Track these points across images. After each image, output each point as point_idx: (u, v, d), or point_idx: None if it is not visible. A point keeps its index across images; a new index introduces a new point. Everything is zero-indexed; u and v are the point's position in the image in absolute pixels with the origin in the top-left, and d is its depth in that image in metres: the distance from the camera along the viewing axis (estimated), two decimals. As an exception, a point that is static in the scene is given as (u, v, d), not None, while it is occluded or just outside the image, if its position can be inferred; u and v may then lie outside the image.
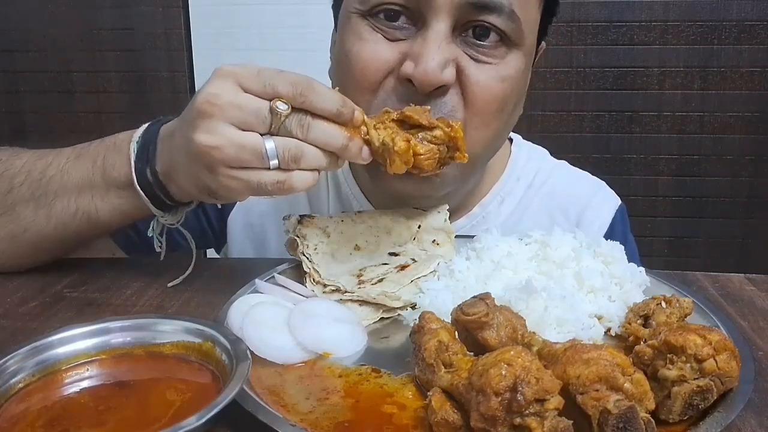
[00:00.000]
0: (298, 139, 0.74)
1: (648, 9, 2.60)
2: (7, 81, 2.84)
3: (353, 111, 0.77)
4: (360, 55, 0.89)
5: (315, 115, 0.75)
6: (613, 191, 1.21)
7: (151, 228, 0.90)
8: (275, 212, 1.15)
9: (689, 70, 2.63)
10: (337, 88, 0.79)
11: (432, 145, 0.80)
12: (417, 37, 0.86)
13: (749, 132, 2.68)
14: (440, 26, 0.84)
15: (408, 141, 0.78)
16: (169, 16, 2.74)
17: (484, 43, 0.87)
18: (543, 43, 1.02)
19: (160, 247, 0.92)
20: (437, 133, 0.80)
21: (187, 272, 0.94)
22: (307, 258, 0.86)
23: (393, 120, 0.80)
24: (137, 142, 0.86)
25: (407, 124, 0.80)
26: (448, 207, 0.97)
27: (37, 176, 0.91)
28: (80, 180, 0.89)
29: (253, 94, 0.74)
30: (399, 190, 0.93)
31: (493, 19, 0.85)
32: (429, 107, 0.82)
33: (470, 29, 0.87)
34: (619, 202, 1.19)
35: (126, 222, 0.93)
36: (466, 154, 0.82)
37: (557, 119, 2.71)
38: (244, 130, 0.73)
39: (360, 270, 0.87)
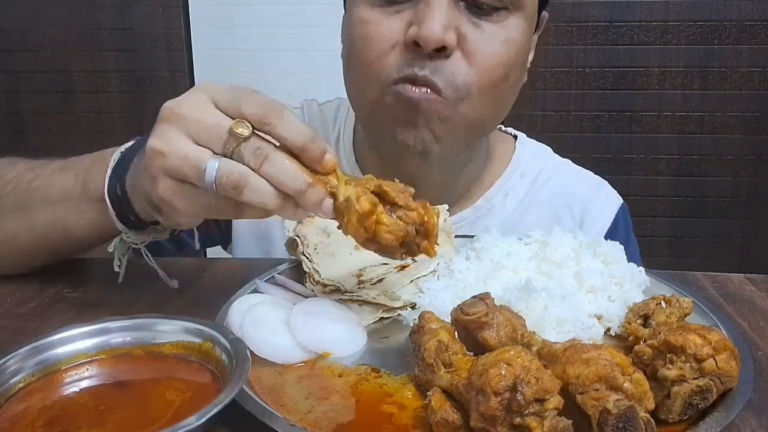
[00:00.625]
0: (250, 168, 0.66)
1: (648, 9, 2.60)
2: (7, 81, 2.84)
3: (323, 152, 0.67)
4: (366, 38, 0.92)
5: (278, 148, 0.67)
6: (615, 191, 1.21)
7: (113, 244, 0.87)
8: None
9: (689, 70, 2.63)
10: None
11: (400, 222, 0.69)
12: (419, 4, 0.89)
13: (749, 132, 2.68)
14: None
15: (375, 205, 0.68)
16: (169, 16, 2.74)
17: (484, 8, 0.91)
18: (545, 13, 1.04)
19: (119, 266, 0.88)
20: (412, 215, 0.70)
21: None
22: (307, 258, 0.86)
23: (371, 191, 0.69)
24: (119, 155, 0.85)
25: (384, 201, 0.69)
26: (447, 207, 0.97)
27: (24, 187, 0.91)
28: (61, 192, 0.89)
29: (221, 110, 0.68)
30: (397, 138, 0.94)
31: None
32: (412, 189, 0.71)
33: None
34: (621, 201, 1.20)
35: (100, 238, 0.90)
36: (436, 248, 0.73)
37: (557, 119, 2.71)
38: (199, 145, 0.67)
39: (360, 270, 0.87)
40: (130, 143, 0.87)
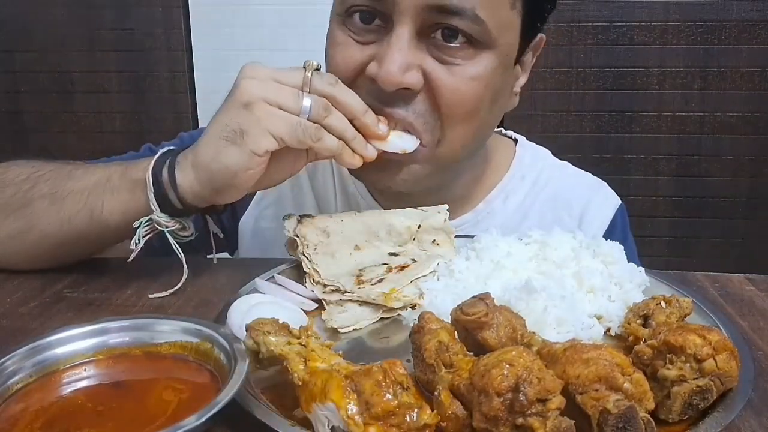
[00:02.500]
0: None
1: (648, 9, 2.60)
2: (7, 81, 2.84)
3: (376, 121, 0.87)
4: (333, 59, 0.94)
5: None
6: (614, 191, 1.22)
7: (139, 221, 0.87)
8: (284, 213, 1.15)
9: (689, 70, 2.64)
10: None
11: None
12: (384, 40, 0.89)
13: (749, 132, 2.68)
14: (403, 30, 0.86)
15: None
16: (169, 16, 2.74)
17: (452, 45, 0.88)
18: (541, 36, 1.01)
19: (136, 244, 0.87)
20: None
21: (177, 286, 0.90)
22: (307, 258, 0.86)
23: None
24: (166, 148, 0.89)
25: None
26: (447, 207, 0.97)
27: (63, 174, 0.93)
28: (99, 178, 0.90)
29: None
30: (365, 179, 1.00)
31: (456, 21, 0.86)
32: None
33: (437, 31, 0.88)
34: (619, 201, 1.20)
35: (124, 224, 0.89)
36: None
37: (557, 119, 2.71)
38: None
39: (360, 270, 0.87)
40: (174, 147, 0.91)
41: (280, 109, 0.81)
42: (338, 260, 0.88)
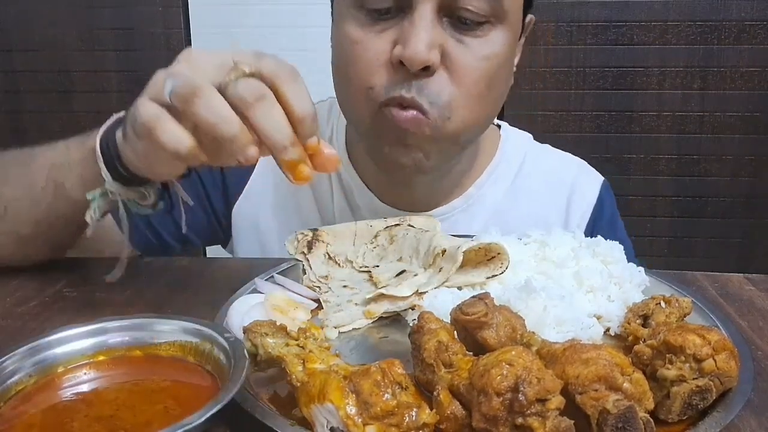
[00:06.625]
0: (238, 106, 0.64)
1: (648, 9, 2.59)
2: (7, 81, 2.84)
3: (314, 135, 0.68)
4: (357, 61, 0.93)
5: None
6: (595, 169, 1.25)
7: (92, 192, 0.81)
8: (280, 203, 1.17)
9: (689, 70, 2.63)
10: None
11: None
12: (404, 21, 0.89)
13: (749, 132, 2.67)
14: (425, 8, 0.88)
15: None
16: (169, 16, 2.73)
17: (468, 23, 0.91)
18: (531, 17, 1.04)
19: (91, 217, 0.81)
20: None
21: (122, 267, 0.87)
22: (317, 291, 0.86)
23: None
24: (121, 114, 0.83)
25: None
26: (440, 205, 0.99)
27: (25, 158, 0.92)
28: (60, 152, 0.89)
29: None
30: (390, 157, 0.97)
31: (475, 2, 0.89)
32: None
33: (454, 11, 0.90)
34: (602, 178, 1.24)
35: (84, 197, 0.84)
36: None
37: (557, 119, 2.71)
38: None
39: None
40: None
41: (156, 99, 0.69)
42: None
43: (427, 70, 0.89)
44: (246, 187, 1.18)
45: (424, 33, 0.87)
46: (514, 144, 1.21)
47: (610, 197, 1.22)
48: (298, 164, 0.67)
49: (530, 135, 1.26)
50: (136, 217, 0.88)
